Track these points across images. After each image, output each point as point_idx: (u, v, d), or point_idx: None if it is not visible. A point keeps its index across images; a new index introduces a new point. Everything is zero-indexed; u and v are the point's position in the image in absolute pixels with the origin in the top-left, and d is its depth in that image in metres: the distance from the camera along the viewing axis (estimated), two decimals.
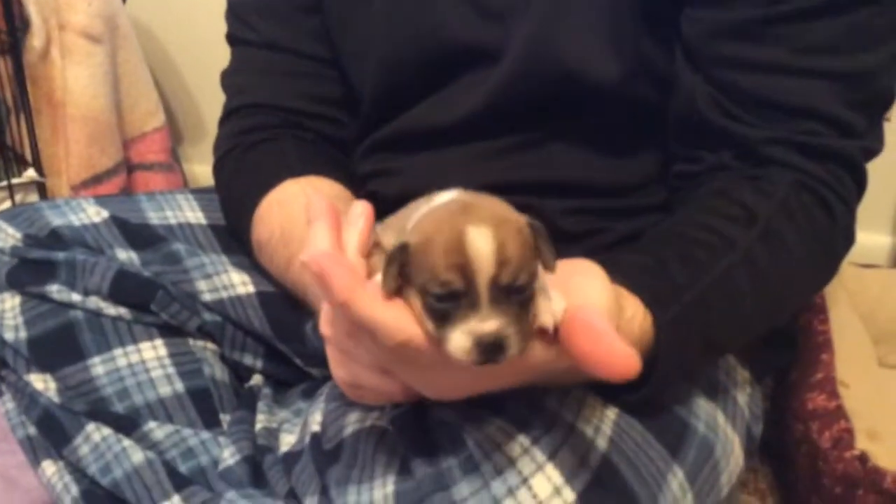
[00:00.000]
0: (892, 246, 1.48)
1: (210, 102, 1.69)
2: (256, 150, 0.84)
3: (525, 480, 0.51)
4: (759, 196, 0.63)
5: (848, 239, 0.68)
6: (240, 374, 0.88)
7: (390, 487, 0.54)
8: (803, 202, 0.64)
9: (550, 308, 0.45)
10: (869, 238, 1.30)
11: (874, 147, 0.69)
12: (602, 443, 0.55)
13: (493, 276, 0.42)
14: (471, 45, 0.76)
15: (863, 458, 0.77)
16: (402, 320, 0.44)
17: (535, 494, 0.51)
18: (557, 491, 0.51)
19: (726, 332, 0.61)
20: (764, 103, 0.65)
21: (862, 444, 0.79)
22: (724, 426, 0.66)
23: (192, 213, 0.90)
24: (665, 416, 0.60)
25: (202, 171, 1.71)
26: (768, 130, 0.65)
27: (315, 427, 0.66)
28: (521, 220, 0.44)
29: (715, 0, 0.64)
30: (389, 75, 0.81)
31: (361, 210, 0.53)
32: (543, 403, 0.55)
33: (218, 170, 0.88)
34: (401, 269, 0.44)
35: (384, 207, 0.75)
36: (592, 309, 0.44)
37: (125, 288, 0.80)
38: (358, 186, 0.83)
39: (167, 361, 0.80)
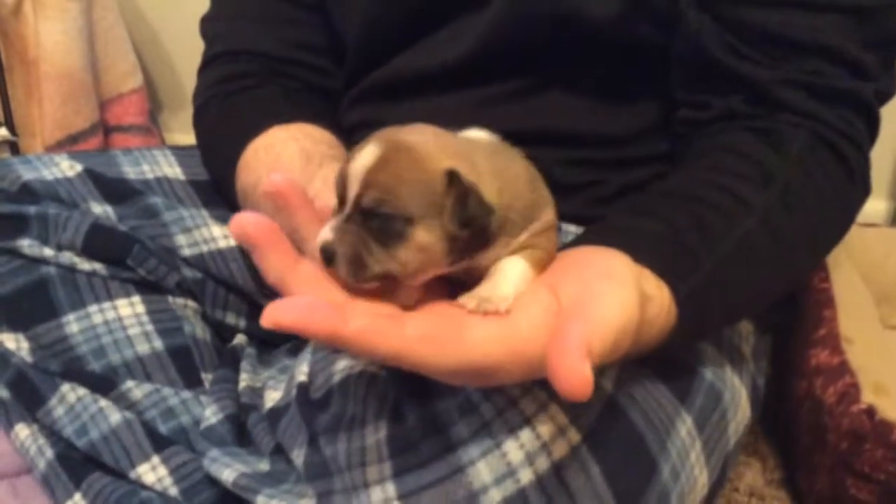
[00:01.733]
0: (888, 210, 1.47)
1: (189, 69, 1.64)
2: (240, 96, 0.80)
3: (528, 420, 0.48)
4: (774, 154, 0.60)
5: (865, 189, 0.66)
6: (222, 334, 0.84)
7: (382, 433, 0.51)
8: (820, 158, 0.61)
9: (488, 292, 0.41)
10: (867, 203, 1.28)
11: (888, 90, 0.66)
12: (608, 384, 0.52)
13: (356, 192, 0.40)
14: None
15: (870, 411, 0.74)
16: None
17: (539, 434, 0.48)
18: (562, 431, 0.48)
19: (746, 298, 0.58)
20: (773, 40, 0.62)
21: (868, 398, 0.76)
22: (731, 376, 0.64)
23: (170, 169, 0.87)
24: (672, 363, 0.57)
25: (182, 140, 1.67)
26: (778, 71, 0.62)
27: (302, 377, 0.62)
28: (441, 166, 0.40)
29: None
30: (376, 20, 0.77)
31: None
32: None
33: (198, 119, 0.84)
34: None
35: None
36: (583, 327, 0.39)
37: (100, 242, 0.76)
38: (345, 138, 0.79)
39: (145, 319, 0.77)
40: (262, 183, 0.69)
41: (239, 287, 0.80)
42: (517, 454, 0.47)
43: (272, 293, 0.79)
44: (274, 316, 0.38)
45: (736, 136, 0.63)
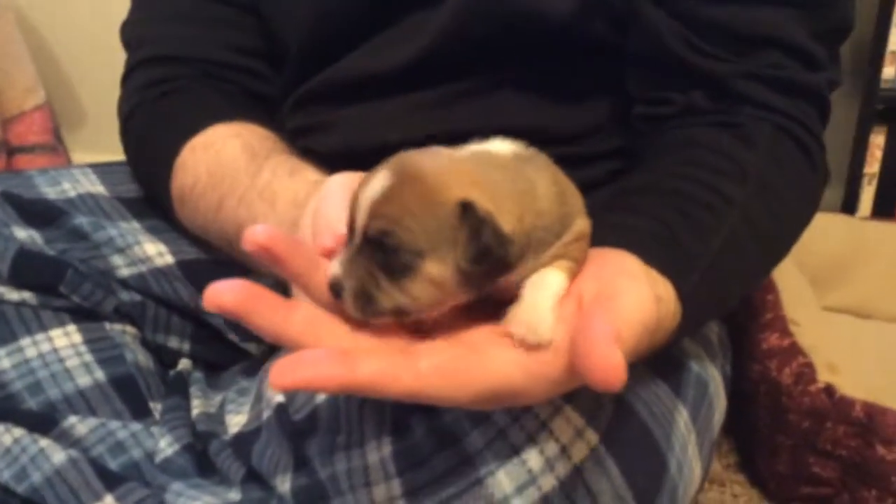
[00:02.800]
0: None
1: (90, 84, 1.56)
2: (172, 98, 0.76)
3: (544, 424, 0.46)
4: (744, 148, 0.61)
5: (825, 177, 0.67)
6: (163, 359, 0.79)
7: (387, 449, 0.48)
8: (785, 149, 0.62)
9: (531, 318, 0.39)
10: None
11: (837, 79, 0.68)
12: None
13: (363, 223, 0.38)
14: None
15: (829, 390, 0.76)
16: None
17: (558, 438, 0.46)
18: (579, 433, 0.46)
19: (733, 292, 0.59)
20: (732, 35, 0.63)
21: (823, 377, 0.78)
22: (709, 366, 0.64)
23: (92, 187, 0.81)
24: (662, 356, 0.56)
25: (85, 159, 1.58)
26: (738, 65, 0.63)
27: (279, 398, 0.59)
28: (455, 196, 0.37)
29: None
30: (322, 20, 0.74)
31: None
32: None
33: (126, 129, 0.79)
34: None
35: (318, 165, 0.68)
36: (611, 317, 0.38)
37: (28, 269, 0.70)
38: (288, 143, 0.76)
39: (83, 349, 0.71)
40: (231, 195, 0.66)
41: (183, 306, 0.75)
42: (537, 460, 0.45)
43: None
44: (279, 379, 0.35)
45: (703, 132, 0.63)
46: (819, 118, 0.67)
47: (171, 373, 0.78)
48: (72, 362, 0.70)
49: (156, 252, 0.75)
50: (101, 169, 0.83)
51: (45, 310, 0.71)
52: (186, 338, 0.78)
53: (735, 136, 0.62)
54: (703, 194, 0.57)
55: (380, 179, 0.38)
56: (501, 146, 0.42)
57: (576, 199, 0.44)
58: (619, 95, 0.72)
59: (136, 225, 0.77)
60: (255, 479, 0.61)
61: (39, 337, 0.70)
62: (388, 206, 0.38)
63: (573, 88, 0.72)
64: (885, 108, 1.42)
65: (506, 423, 0.46)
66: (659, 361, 0.55)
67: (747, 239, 0.57)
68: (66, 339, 0.71)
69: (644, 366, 0.53)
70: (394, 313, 0.39)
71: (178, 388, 0.75)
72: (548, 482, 0.45)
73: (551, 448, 0.45)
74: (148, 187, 0.77)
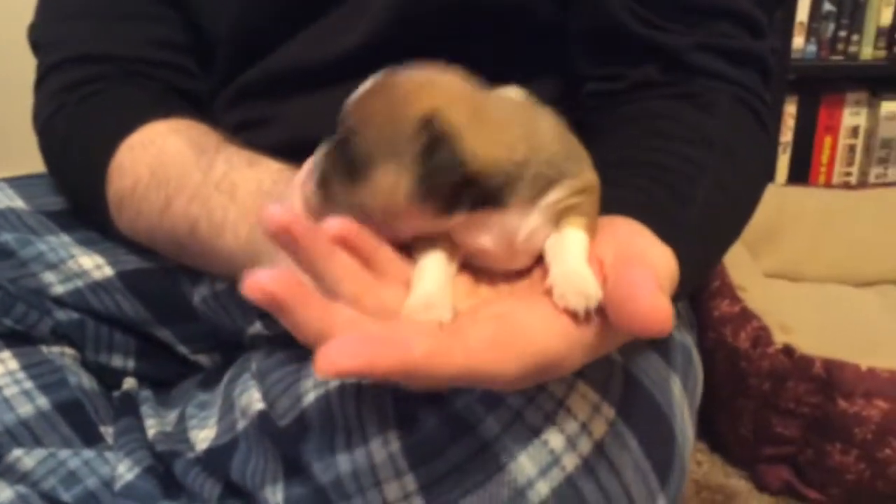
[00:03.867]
0: None
1: None
2: (96, 97, 0.70)
3: (561, 403, 0.44)
4: (705, 116, 0.61)
5: (774, 144, 0.69)
6: (105, 380, 0.74)
7: (395, 444, 0.45)
8: (741, 116, 0.64)
9: (584, 286, 0.38)
10: None
11: (776, 45, 0.69)
12: (617, 356, 0.49)
13: (341, 123, 0.42)
14: None
15: (787, 350, 0.78)
16: None
17: (576, 415, 0.44)
18: (596, 408, 0.45)
19: (714, 256, 0.59)
20: (682, 7, 0.64)
21: (779, 338, 0.80)
22: (686, 333, 0.64)
23: (10, 202, 0.75)
24: None
25: None
26: (690, 37, 0.64)
27: (258, 405, 0.55)
28: (422, 109, 0.38)
29: None
30: (252, 8, 0.70)
31: None
32: None
33: (45, 137, 0.73)
34: None
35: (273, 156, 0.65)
36: (648, 266, 0.38)
37: None
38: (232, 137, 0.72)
39: (21, 375, 0.66)
40: (179, 193, 0.62)
41: (127, 321, 0.70)
42: (558, 440, 0.44)
43: (170, 318, 0.71)
44: (333, 362, 0.32)
45: (663, 103, 0.63)
46: (764, 84, 0.68)
47: (116, 394, 0.74)
48: (10, 391, 0.65)
49: (92, 265, 0.70)
50: (17, 182, 0.77)
51: None
52: (131, 355, 0.73)
53: (695, 105, 0.62)
54: (677, 164, 0.56)
55: (364, 86, 0.39)
56: (515, 91, 0.42)
57: (582, 151, 0.43)
58: (562, 74, 0.72)
59: (65, 238, 0.71)
60: (234, 493, 0.57)
61: None
62: (356, 112, 0.39)
63: (519, 70, 0.71)
64: (795, 77, 1.48)
65: (521, 404, 0.44)
66: None
67: (720, 205, 0.57)
68: (1, 367, 0.65)
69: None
70: (350, 209, 0.39)
71: (127, 410, 0.70)
72: (571, 461, 0.44)
73: (571, 426, 0.44)
74: (77, 196, 0.72)
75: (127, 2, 0.74)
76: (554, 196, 0.40)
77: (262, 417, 0.54)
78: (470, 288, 0.41)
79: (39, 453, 0.62)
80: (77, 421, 0.66)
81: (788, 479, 0.84)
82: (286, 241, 0.37)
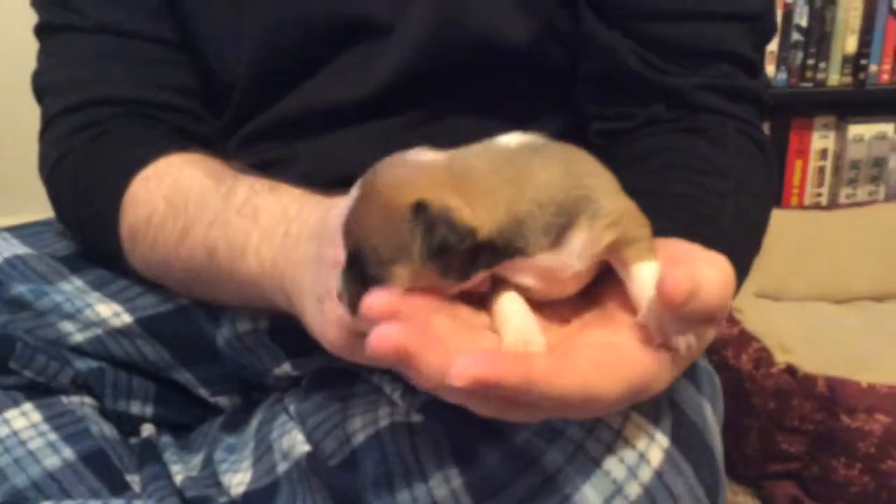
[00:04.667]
0: None
1: None
2: (107, 136, 0.70)
3: (619, 433, 0.46)
4: (715, 148, 0.64)
5: (776, 170, 0.72)
6: (123, 427, 0.73)
7: (456, 481, 0.46)
8: (748, 147, 0.67)
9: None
10: None
11: (767, 84, 0.73)
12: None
13: (345, 238, 0.42)
14: (359, 18, 0.70)
15: (791, 370, 0.80)
16: None
17: (634, 445, 0.46)
18: (652, 437, 0.47)
19: (739, 278, 0.61)
20: (686, 51, 0.68)
21: (780, 358, 0.83)
22: (704, 359, 0.66)
23: (17, 250, 0.74)
24: None
25: None
26: (694, 78, 0.67)
27: (302, 448, 0.55)
28: (408, 201, 0.39)
29: None
30: (269, 55, 0.72)
31: None
32: None
33: (54, 180, 0.72)
34: None
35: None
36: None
37: None
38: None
39: (45, 427, 0.65)
40: (196, 222, 0.61)
41: (147, 366, 0.70)
42: (620, 470, 0.45)
43: (193, 360, 0.71)
44: (468, 371, 0.34)
45: (674, 137, 0.66)
46: (760, 117, 0.71)
47: (135, 441, 0.73)
48: (35, 444, 0.64)
49: (111, 313, 0.69)
50: (19, 231, 0.77)
51: None
52: (149, 401, 0.73)
53: (705, 138, 0.65)
54: (699, 193, 0.59)
55: (349, 198, 0.41)
56: (510, 139, 0.44)
57: (599, 181, 0.43)
58: (568, 113, 0.75)
59: (78, 283, 0.71)
60: None
61: None
62: (353, 225, 0.40)
63: (526, 109, 0.74)
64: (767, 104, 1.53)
65: (581, 437, 0.46)
66: None
67: (740, 230, 0.60)
68: (24, 420, 0.65)
69: None
70: None
71: (150, 457, 0.70)
72: (633, 490, 0.45)
73: (630, 456, 0.45)
74: (88, 237, 0.71)
75: (132, 46, 0.73)
76: (587, 238, 0.41)
77: (310, 459, 0.55)
78: (543, 324, 0.43)
79: None
80: (103, 471, 0.65)
81: (795, 495, 0.86)
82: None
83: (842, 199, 1.58)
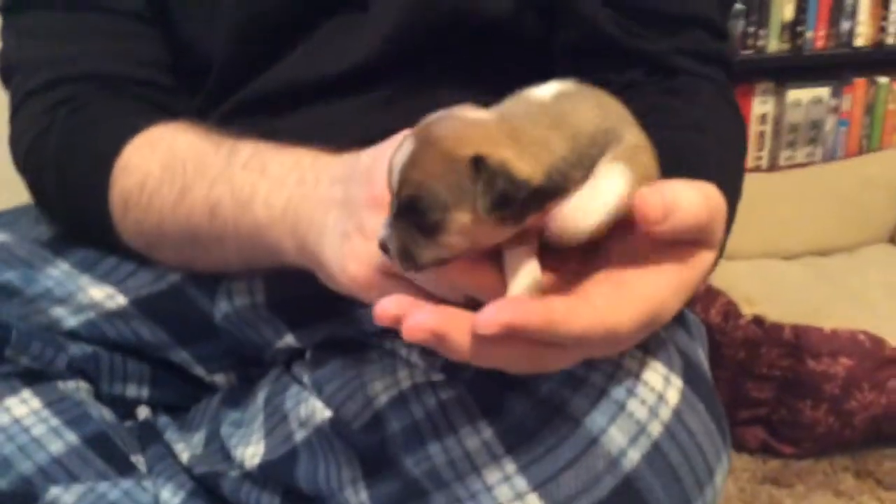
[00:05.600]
0: None
1: None
2: (90, 108, 0.69)
3: (638, 377, 0.49)
4: (692, 106, 0.67)
5: (745, 129, 0.76)
6: (117, 410, 0.73)
7: (487, 432, 0.48)
8: (721, 105, 0.70)
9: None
10: None
11: (734, 46, 0.77)
12: (665, 334, 0.54)
13: (396, 190, 0.43)
14: None
15: (758, 320, 0.85)
16: None
17: (653, 387, 0.49)
18: (667, 380, 0.50)
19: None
20: (659, 17, 0.70)
21: (746, 310, 0.87)
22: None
23: None
24: None
25: None
26: (669, 43, 0.70)
27: (324, 414, 0.57)
28: (467, 154, 0.42)
29: None
30: (247, 29, 0.71)
31: None
32: None
33: (33, 156, 0.70)
34: None
35: None
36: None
37: None
38: None
39: (45, 413, 0.65)
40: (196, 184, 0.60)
41: (142, 347, 0.70)
42: (642, 410, 0.48)
43: (191, 337, 0.71)
44: (495, 319, 0.37)
45: (652, 99, 0.68)
46: (729, 78, 0.75)
47: (129, 423, 0.73)
48: (38, 430, 0.63)
49: (104, 295, 0.69)
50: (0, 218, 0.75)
51: None
52: (145, 383, 0.73)
53: (681, 98, 0.68)
54: (681, 146, 0.62)
55: (404, 148, 0.42)
56: (545, 90, 0.46)
57: (623, 114, 0.47)
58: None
59: (65, 268, 0.70)
60: (295, 501, 0.58)
61: None
62: (413, 173, 0.42)
63: (507, 80, 0.75)
64: None
65: (604, 382, 0.48)
66: None
67: (722, 181, 0.63)
68: (24, 407, 0.64)
69: None
70: (436, 263, 0.43)
71: (151, 437, 0.70)
72: (655, 428, 0.48)
73: (651, 397, 0.48)
74: (73, 211, 0.69)
75: (106, 21, 0.72)
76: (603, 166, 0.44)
77: (333, 423, 0.56)
78: (556, 273, 0.45)
79: (78, 489, 0.62)
80: (108, 453, 0.65)
81: (764, 438, 0.92)
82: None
83: (782, 162, 1.65)
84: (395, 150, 0.43)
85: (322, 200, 0.52)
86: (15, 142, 0.72)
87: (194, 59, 0.74)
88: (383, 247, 0.43)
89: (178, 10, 0.73)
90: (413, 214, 0.42)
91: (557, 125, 0.44)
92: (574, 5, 0.71)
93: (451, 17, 0.69)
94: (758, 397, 0.88)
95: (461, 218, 0.41)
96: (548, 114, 0.44)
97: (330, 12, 0.71)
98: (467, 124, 0.43)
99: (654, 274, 0.43)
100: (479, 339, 0.39)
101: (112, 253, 0.70)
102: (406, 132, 0.44)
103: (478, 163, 0.41)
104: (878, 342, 0.91)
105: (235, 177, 0.58)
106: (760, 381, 0.86)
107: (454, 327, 0.39)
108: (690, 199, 0.43)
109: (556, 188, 0.43)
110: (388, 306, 0.40)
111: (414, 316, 0.39)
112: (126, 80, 0.72)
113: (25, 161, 0.72)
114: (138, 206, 0.64)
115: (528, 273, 0.43)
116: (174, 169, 0.62)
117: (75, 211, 0.69)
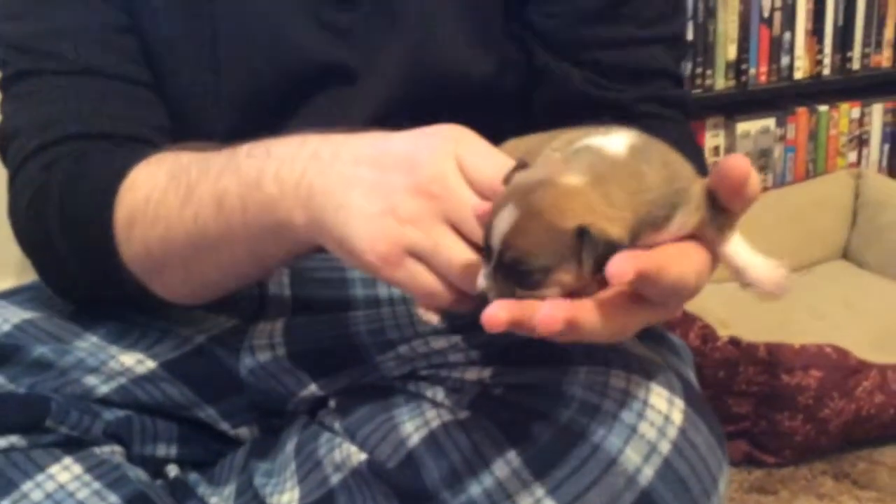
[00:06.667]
0: None
1: None
2: (93, 155, 0.70)
3: (646, 402, 0.55)
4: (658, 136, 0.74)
5: (704, 158, 0.83)
6: (147, 470, 0.76)
7: (516, 461, 0.54)
8: (683, 137, 0.77)
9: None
10: None
11: (689, 92, 0.85)
12: (663, 362, 0.60)
13: (498, 251, 0.48)
14: (331, 63, 0.75)
15: (734, 340, 0.92)
16: None
17: (660, 410, 0.55)
18: (671, 402, 0.55)
19: None
20: (627, 72, 0.77)
21: (722, 332, 0.95)
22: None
23: (23, 314, 0.76)
24: None
25: None
26: (635, 92, 0.77)
27: (358, 456, 0.61)
28: (571, 226, 0.47)
29: None
30: (247, 109, 0.76)
31: None
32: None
33: (34, 203, 0.70)
34: None
35: None
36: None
37: (7, 412, 0.66)
38: None
39: (87, 478, 0.68)
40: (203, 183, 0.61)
41: (173, 406, 0.73)
42: (651, 432, 0.54)
43: (217, 395, 0.75)
44: (623, 269, 0.44)
45: None
46: (687, 118, 0.83)
47: (159, 482, 0.76)
48: (83, 493, 0.66)
49: (134, 361, 0.72)
50: (13, 298, 0.78)
51: (35, 449, 0.67)
52: (174, 442, 0.76)
53: (649, 133, 0.75)
54: None
55: (508, 215, 0.47)
56: (617, 142, 0.51)
57: (685, 170, 0.53)
58: (522, 129, 0.83)
59: (94, 340, 0.73)
60: None
61: (40, 478, 0.66)
62: (517, 239, 0.47)
63: (495, 135, 0.82)
64: None
65: (615, 409, 0.54)
66: (644, 332, 0.67)
67: None
68: (67, 473, 0.67)
69: (641, 338, 0.64)
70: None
71: (185, 494, 0.73)
72: (664, 447, 0.54)
73: (658, 419, 0.54)
74: (75, 246, 0.68)
75: (111, 86, 0.74)
76: (678, 220, 0.50)
77: (371, 464, 0.61)
78: None
79: None
80: None
81: (748, 450, 0.98)
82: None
83: None
84: (494, 212, 0.48)
85: (343, 176, 0.54)
86: (13, 202, 0.73)
87: (195, 128, 0.76)
88: (481, 296, 0.48)
89: (181, 96, 0.76)
90: (514, 272, 0.47)
91: (639, 189, 0.49)
92: (547, 67, 0.78)
93: (438, 82, 0.75)
94: (739, 412, 0.95)
95: (561, 276, 0.47)
96: (630, 174, 0.49)
97: (325, 86, 0.77)
98: (566, 194, 0.48)
99: (692, 250, 0.50)
100: (607, 312, 0.46)
101: (136, 325, 0.74)
102: (505, 195, 0.48)
103: (582, 233, 0.46)
104: (843, 353, 0.99)
105: (241, 165, 0.59)
106: (740, 397, 0.93)
107: (580, 312, 0.45)
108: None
109: (633, 241, 0.49)
110: (499, 312, 0.45)
111: (543, 310, 0.44)
112: (126, 138, 0.73)
113: (26, 215, 0.72)
114: (144, 222, 0.64)
115: None
116: (178, 175, 0.63)
117: (76, 242, 0.69)
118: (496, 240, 0.47)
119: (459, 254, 0.52)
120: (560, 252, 0.47)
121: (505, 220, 0.47)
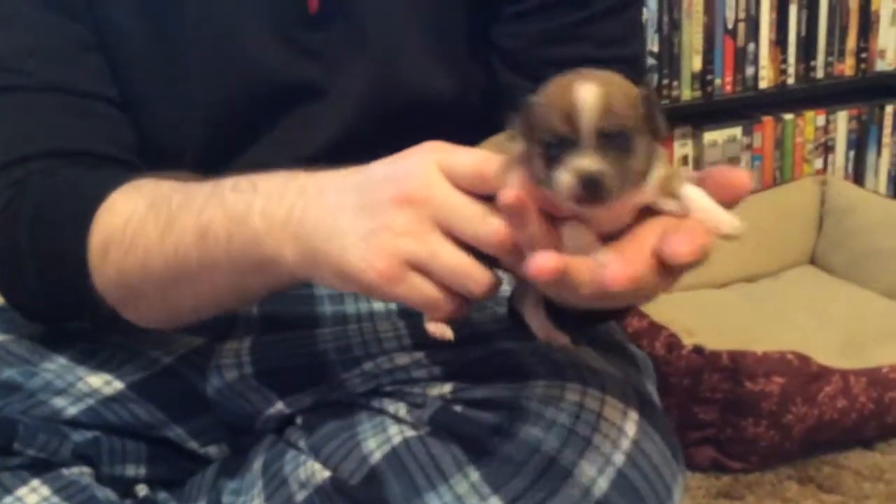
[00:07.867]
0: None
1: None
2: (66, 174, 0.69)
3: (600, 415, 0.57)
4: None
5: None
6: (117, 490, 0.77)
7: (474, 475, 0.55)
8: None
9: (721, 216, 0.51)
10: None
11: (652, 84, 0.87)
12: (621, 375, 0.62)
13: (596, 123, 0.48)
14: (298, 82, 0.76)
15: (698, 349, 0.94)
16: None
17: (614, 423, 0.56)
18: (625, 414, 0.57)
19: None
20: (592, 61, 0.78)
21: (687, 340, 0.96)
22: (629, 344, 0.78)
23: None
24: (606, 340, 0.70)
25: None
26: None
27: (323, 474, 0.62)
28: (633, 87, 0.49)
29: (536, 14, 0.74)
30: (217, 126, 0.76)
31: None
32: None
33: (2, 218, 0.70)
34: (526, 128, 0.51)
35: None
36: None
37: None
38: None
39: (56, 499, 0.68)
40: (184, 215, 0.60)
41: (141, 426, 0.73)
42: (606, 444, 0.55)
43: (185, 414, 0.75)
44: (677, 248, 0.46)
45: None
46: None
47: (128, 502, 0.77)
48: None
49: (102, 382, 0.73)
50: None
51: (2, 472, 0.67)
52: (142, 462, 0.76)
53: None
54: None
55: (591, 88, 0.49)
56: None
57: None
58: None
59: (63, 362, 0.74)
60: None
61: (8, 500, 0.66)
62: (613, 103, 0.48)
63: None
64: None
65: (571, 422, 0.56)
66: (604, 344, 0.68)
67: None
68: (35, 496, 0.68)
69: (600, 351, 0.66)
70: (619, 196, 0.48)
71: None
72: (618, 458, 0.55)
73: (613, 432, 0.56)
74: (46, 265, 0.67)
75: (79, 103, 0.73)
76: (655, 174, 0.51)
77: (334, 481, 0.62)
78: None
79: None
80: None
81: (714, 456, 1.00)
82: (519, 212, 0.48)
83: None
84: (566, 95, 0.49)
85: (329, 206, 0.54)
86: None
87: (163, 146, 0.77)
88: (593, 180, 0.47)
89: (149, 112, 0.76)
90: (610, 142, 0.47)
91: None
92: (510, 85, 0.79)
93: (404, 102, 0.76)
94: (704, 419, 0.96)
95: (640, 140, 0.48)
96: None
97: (292, 105, 0.78)
98: (612, 74, 0.50)
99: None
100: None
101: (103, 346, 0.74)
102: (565, 79, 0.50)
103: (648, 96, 0.49)
104: (804, 360, 1.01)
105: (226, 198, 0.59)
106: (705, 404, 0.95)
107: (640, 261, 0.46)
108: None
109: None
110: (547, 260, 0.44)
111: (538, 257, 0.44)
112: (95, 156, 0.73)
113: None
114: (120, 248, 0.63)
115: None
116: (159, 205, 0.62)
117: (47, 263, 0.67)
118: (591, 113, 0.47)
119: (456, 257, 0.52)
120: (637, 114, 0.48)
121: (592, 92, 0.48)
